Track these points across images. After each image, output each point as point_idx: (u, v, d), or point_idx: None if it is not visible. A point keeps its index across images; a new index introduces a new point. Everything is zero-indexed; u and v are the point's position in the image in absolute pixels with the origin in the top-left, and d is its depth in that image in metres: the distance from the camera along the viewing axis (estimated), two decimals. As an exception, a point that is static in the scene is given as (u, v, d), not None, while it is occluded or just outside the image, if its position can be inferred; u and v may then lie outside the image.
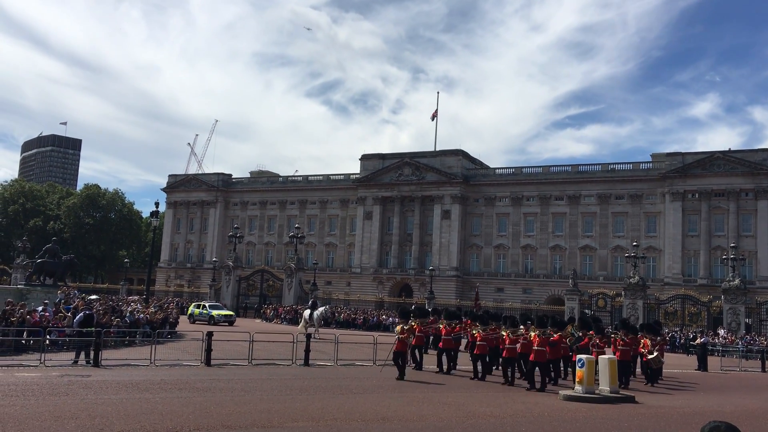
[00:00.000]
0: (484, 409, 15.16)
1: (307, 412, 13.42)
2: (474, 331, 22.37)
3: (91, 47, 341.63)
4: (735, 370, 33.12)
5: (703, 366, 32.52)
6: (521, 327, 21.00)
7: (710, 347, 38.89)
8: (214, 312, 50.14)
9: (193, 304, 56.44)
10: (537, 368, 19.89)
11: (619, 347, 22.88)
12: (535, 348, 19.48)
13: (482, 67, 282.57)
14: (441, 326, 23.76)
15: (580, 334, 21.68)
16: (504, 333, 21.13)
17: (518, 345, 20.07)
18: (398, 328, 21.71)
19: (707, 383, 26.10)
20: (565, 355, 22.27)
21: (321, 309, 41.81)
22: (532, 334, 20.09)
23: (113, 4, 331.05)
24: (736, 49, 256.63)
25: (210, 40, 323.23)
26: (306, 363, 22.51)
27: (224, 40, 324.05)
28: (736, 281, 53.50)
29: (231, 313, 52.37)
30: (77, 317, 23.55)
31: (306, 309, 42.49)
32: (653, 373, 23.77)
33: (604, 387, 17.77)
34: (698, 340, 37.08)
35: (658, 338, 25.57)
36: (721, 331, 50.39)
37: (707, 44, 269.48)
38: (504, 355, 20.60)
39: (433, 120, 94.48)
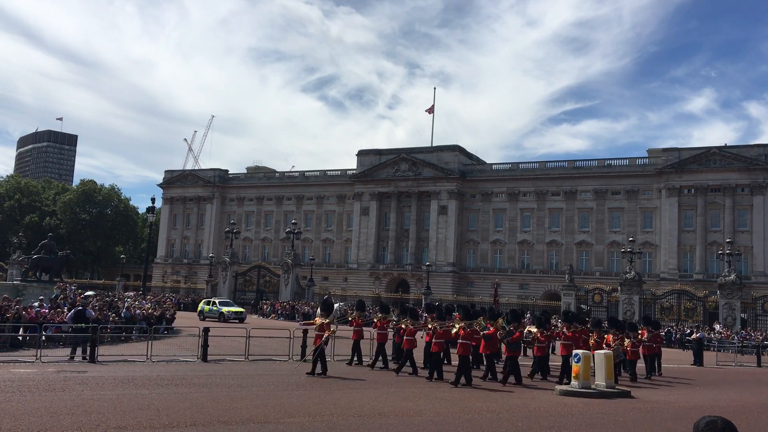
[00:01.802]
0: (480, 404, 15.19)
1: (304, 408, 13.42)
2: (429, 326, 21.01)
3: (86, 42, 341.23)
4: (731, 365, 33.24)
5: (698, 361, 32.63)
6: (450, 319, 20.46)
7: (706, 342, 39.05)
8: (225, 309, 49.73)
9: (203, 301, 55.54)
10: (491, 361, 19.66)
11: (561, 341, 21.34)
12: (460, 341, 18.41)
13: (478, 62, 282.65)
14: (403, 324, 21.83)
15: (511, 327, 19.96)
16: (430, 326, 20.08)
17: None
18: (317, 320, 19.83)
19: (703, 378, 26.18)
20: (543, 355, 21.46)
21: (337, 305, 41.75)
22: (458, 326, 19.18)
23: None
24: (732, 45, 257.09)
25: (205, 34, 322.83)
26: (302, 359, 22.53)
27: (219, 35, 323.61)
28: (732, 276, 53.69)
29: (241, 309, 51.78)
30: (69, 313, 23.53)
31: (318, 308, 42.32)
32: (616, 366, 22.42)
33: (600, 382, 17.81)
34: (694, 335, 37.21)
35: (623, 334, 23.85)
36: (717, 326, 50.58)
37: (702, 39, 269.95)
38: (431, 349, 19.57)
39: (429, 114, 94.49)
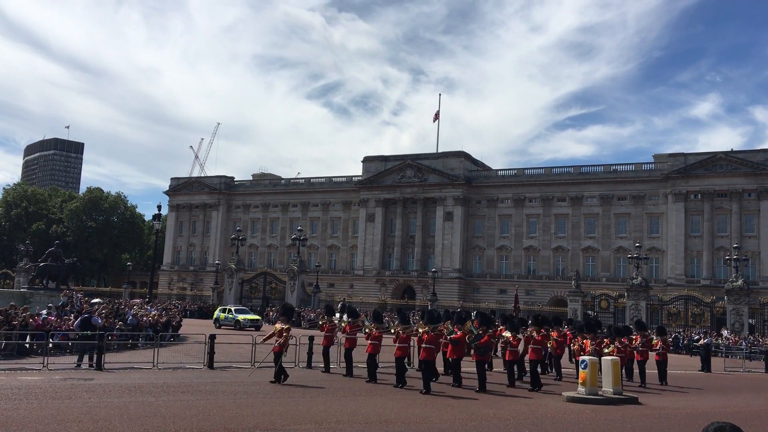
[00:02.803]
0: (487, 411, 15.14)
1: (310, 415, 13.41)
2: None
3: (92, 50, 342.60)
4: (738, 371, 33.06)
5: (706, 367, 32.46)
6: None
7: (713, 348, 38.85)
8: (240, 316, 48.75)
9: (219, 308, 54.53)
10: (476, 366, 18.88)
11: (531, 345, 20.54)
12: (424, 345, 17.90)
13: (483, 68, 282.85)
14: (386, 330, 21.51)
15: (480, 331, 19.17)
16: (393, 330, 19.56)
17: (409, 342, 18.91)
18: (277, 325, 19.28)
19: (711, 384, 26.04)
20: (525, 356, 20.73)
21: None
22: (421, 330, 18.53)
23: (113, 6, 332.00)
24: (737, 49, 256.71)
25: (210, 42, 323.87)
26: (308, 366, 22.51)
27: (224, 43, 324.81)
28: (739, 282, 53.45)
29: (257, 317, 50.86)
30: (76, 321, 23.56)
31: (337, 312, 42.08)
32: None
33: (607, 388, 17.73)
34: (701, 341, 37.03)
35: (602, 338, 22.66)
36: (725, 332, 50.33)
37: (708, 44, 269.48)
38: (395, 354, 18.93)
39: (435, 121, 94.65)
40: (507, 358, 20.52)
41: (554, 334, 23.08)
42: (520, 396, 18.19)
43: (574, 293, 60.55)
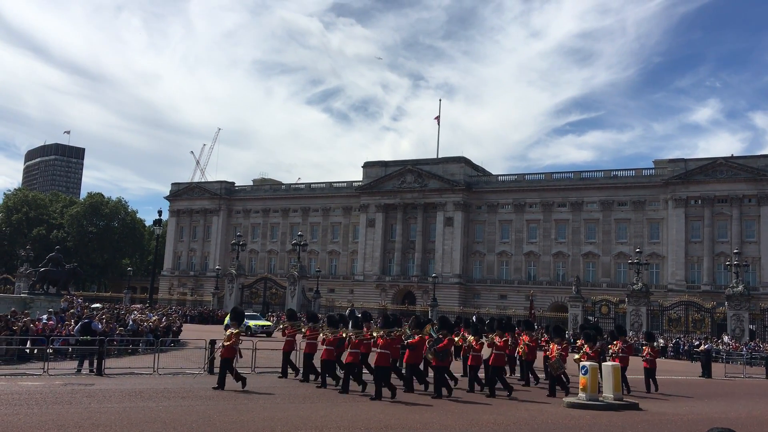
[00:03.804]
0: (487, 417, 15.13)
1: (310, 421, 13.40)
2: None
3: (92, 55, 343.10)
4: (739, 377, 33.02)
5: (707, 373, 32.42)
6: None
7: (714, 354, 38.81)
8: (251, 322, 47.30)
9: (229, 314, 54.30)
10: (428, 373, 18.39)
11: (493, 351, 19.49)
12: (379, 350, 17.11)
13: (482, 73, 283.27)
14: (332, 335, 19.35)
15: (440, 335, 18.65)
16: (345, 335, 18.72)
17: (361, 347, 18.11)
18: (228, 332, 18.65)
19: (711, 390, 26.00)
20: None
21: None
22: (376, 335, 17.86)
23: (113, 12, 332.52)
24: (736, 55, 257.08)
25: (210, 47, 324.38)
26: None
27: (224, 48, 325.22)
28: (740, 287, 53.42)
29: (269, 323, 49.92)
30: (76, 326, 23.56)
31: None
32: (553, 381, 20.10)
33: (608, 394, 17.72)
34: (702, 347, 37.00)
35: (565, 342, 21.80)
36: (725, 338, 50.29)
37: (707, 50, 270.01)
38: (345, 360, 18.06)
39: (435, 119, 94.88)
40: (469, 363, 19.88)
41: (526, 338, 22.33)
42: (520, 401, 18.17)
43: (574, 299, 60.52)
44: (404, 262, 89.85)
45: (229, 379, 17.68)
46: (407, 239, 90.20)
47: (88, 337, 21.91)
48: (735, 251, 60.77)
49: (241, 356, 18.56)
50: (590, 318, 57.89)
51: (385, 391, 17.01)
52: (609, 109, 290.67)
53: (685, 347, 47.78)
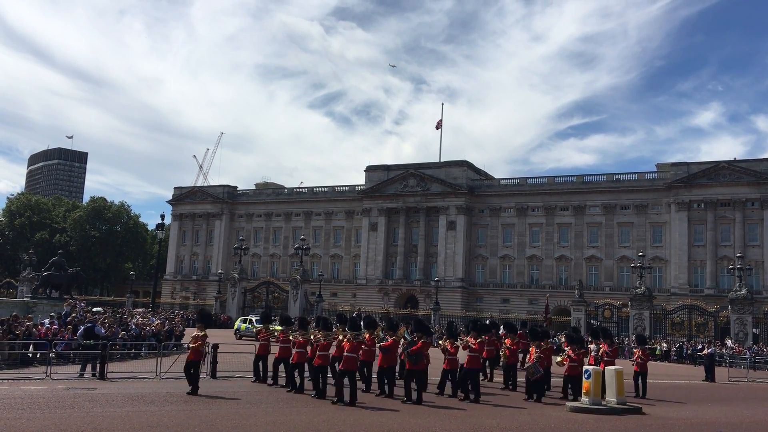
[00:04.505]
0: (490, 421, 15.10)
1: (313, 425, 13.39)
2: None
3: (94, 60, 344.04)
4: (743, 381, 32.92)
5: (710, 377, 32.34)
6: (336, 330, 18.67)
7: (717, 358, 38.71)
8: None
9: (240, 319, 52.24)
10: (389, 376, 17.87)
11: (468, 353, 18.94)
12: (346, 354, 16.71)
13: (484, 77, 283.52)
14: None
15: (414, 338, 18.23)
16: (312, 338, 18.36)
17: (332, 351, 17.62)
18: (195, 333, 18.26)
19: (715, 394, 25.95)
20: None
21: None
22: (342, 338, 17.44)
23: (115, 16, 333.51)
24: (738, 58, 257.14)
25: (212, 51, 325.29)
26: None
27: (226, 52, 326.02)
28: (743, 291, 53.30)
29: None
30: (79, 330, 23.57)
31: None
32: (530, 385, 19.55)
33: (611, 398, 17.68)
34: (705, 351, 36.91)
35: (543, 344, 21.03)
36: (729, 342, 50.16)
37: (709, 53, 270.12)
38: (314, 362, 17.68)
39: (438, 129, 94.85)
40: (444, 367, 19.44)
41: (508, 342, 22.04)
42: (523, 406, 18.12)
43: (577, 303, 60.44)
44: (407, 266, 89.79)
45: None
46: (410, 243, 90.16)
47: (92, 341, 21.91)
48: (738, 255, 60.63)
49: (204, 360, 18.13)
50: (593, 322, 57.80)
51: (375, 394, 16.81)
52: (611, 112, 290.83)
53: (689, 351, 47.67)
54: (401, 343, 18.87)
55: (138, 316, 42.01)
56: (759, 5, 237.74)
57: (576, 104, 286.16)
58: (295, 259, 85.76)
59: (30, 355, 23.77)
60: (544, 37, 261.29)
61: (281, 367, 20.01)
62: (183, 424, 12.75)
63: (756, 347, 48.29)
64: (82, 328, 23.51)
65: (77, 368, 21.48)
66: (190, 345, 17.81)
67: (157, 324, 34.92)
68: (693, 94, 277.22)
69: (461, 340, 20.07)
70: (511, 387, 21.74)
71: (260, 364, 20.68)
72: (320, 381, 17.40)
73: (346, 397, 16.30)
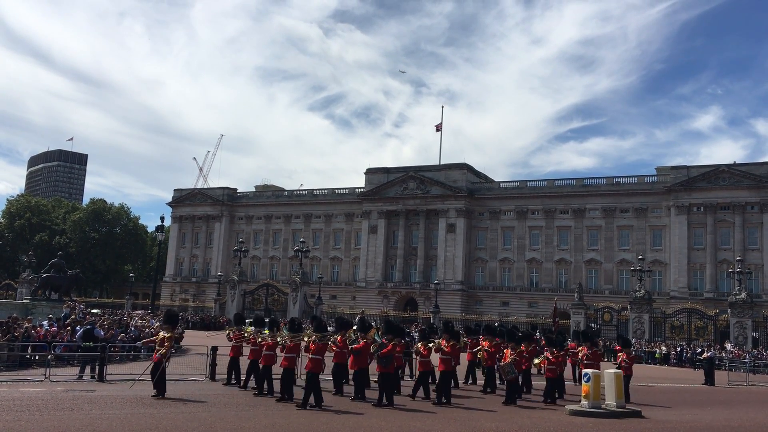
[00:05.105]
0: (490, 424, 15.09)
1: (312, 428, 13.38)
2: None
3: (95, 62, 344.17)
4: (742, 385, 32.88)
5: (710, 380, 32.30)
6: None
7: (717, 361, 38.67)
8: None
9: (248, 320, 53.80)
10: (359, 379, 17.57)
11: (440, 356, 18.71)
12: (310, 356, 16.29)
13: (484, 80, 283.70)
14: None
15: (384, 340, 18.06)
16: (279, 339, 18.05)
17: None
18: (160, 335, 17.81)
19: (714, 398, 25.92)
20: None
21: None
22: (307, 339, 17.00)
23: (116, 18, 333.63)
24: (738, 62, 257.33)
25: (212, 54, 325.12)
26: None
27: (226, 54, 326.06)
28: (743, 295, 53.31)
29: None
30: (78, 332, 23.55)
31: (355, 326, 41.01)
32: (509, 387, 19.00)
33: (611, 402, 17.66)
34: (705, 354, 36.86)
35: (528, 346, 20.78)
36: (728, 345, 50.12)
37: (708, 57, 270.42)
38: (281, 364, 17.20)
39: (438, 132, 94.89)
40: (418, 369, 19.12)
41: (485, 344, 21.75)
42: (523, 409, 18.11)
43: (577, 306, 60.41)
44: (406, 269, 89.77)
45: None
46: (409, 246, 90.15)
47: (91, 343, 21.89)
48: (738, 258, 60.66)
49: (168, 363, 17.80)
50: (592, 325, 57.82)
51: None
52: (611, 115, 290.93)
53: (688, 355, 47.65)
54: (372, 345, 18.47)
55: (137, 318, 42.02)
56: (759, 9, 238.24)
57: (576, 107, 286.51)
58: (294, 261, 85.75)
59: (29, 356, 23.75)
60: (543, 41, 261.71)
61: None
62: (182, 426, 12.73)
63: (755, 351, 48.25)
64: (82, 329, 23.48)
65: (76, 370, 21.45)
66: (157, 346, 17.41)
67: (157, 326, 34.89)
68: (693, 97, 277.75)
69: (434, 342, 19.86)
70: (489, 390, 21.51)
71: (233, 366, 20.18)
72: (279, 383, 16.88)
73: (313, 400, 15.89)
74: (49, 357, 21.21)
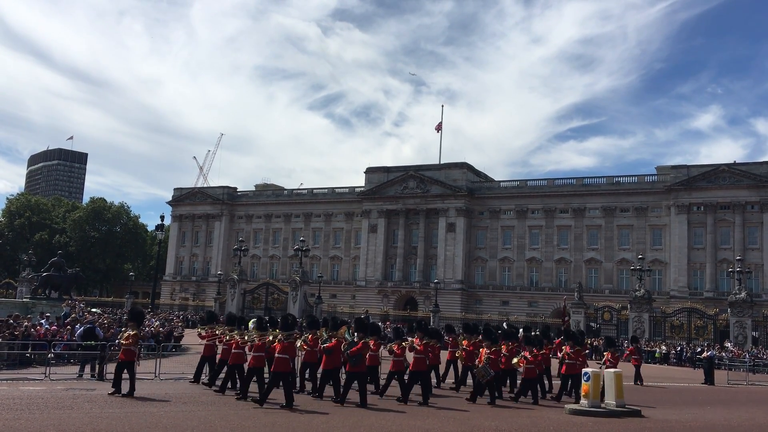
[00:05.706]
0: (489, 423, 15.09)
1: (312, 427, 13.39)
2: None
3: (94, 61, 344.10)
4: (742, 384, 32.91)
5: (709, 380, 32.32)
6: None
7: (717, 361, 38.69)
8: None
9: (251, 321, 53.29)
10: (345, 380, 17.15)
11: (414, 355, 18.44)
12: (277, 355, 15.96)
13: (484, 79, 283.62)
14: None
15: (354, 338, 17.83)
16: (246, 338, 17.74)
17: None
18: (127, 332, 17.40)
19: (714, 397, 25.93)
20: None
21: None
22: (272, 338, 16.57)
23: (115, 18, 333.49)
24: (738, 61, 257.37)
25: (212, 53, 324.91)
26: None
27: (226, 54, 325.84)
28: (743, 294, 53.32)
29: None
30: (78, 331, 23.56)
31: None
32: (477, 387, 18.89)
33: (610, 401, 17.66)
34: (705, 354, 36.87)
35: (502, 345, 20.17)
36: (728, 345, 50.15)
37: (708, 56, 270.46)
38: (249, 363, 16.91)
39: (437, 131, 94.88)
40: (390, 369, 18.78)
41: (465, 343, 21.40)
42: (522, 408, 18.12)
43: (576, 305, 60.43)
44: (406, 268, 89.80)
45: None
46: (409, 245, 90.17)
47: (91, 342, 21.91)
48: (738, 258, 60.68)
49: (139, 363, 17.65)
50: (592, 325, 57.90)
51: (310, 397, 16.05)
52: (610, 115, 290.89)
53: (688, 354, 47.66)
54: (343, 344, 18.08)
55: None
56: (758, 8, 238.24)
57: (575, 107, 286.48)
58: (294, 260, 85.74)
59: (29, 355, 23.75)
60: (543, 40, 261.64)
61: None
62: (182, 425, 12.73)
63: (755, 350, 48.30)
64: (81, 328, 23.48)
65: (76, 369, 21.45)
66: (122, 344, 17.08)
67: (157, 325, 34.93)
68: (692, 96, 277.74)
69: (407, 341, 19.71)
70: (454, 388, 21.31)
71: (205, 365, 19.86)
72: (248, 383, 16.65)
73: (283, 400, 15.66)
74: (49, 356, 21.21)
